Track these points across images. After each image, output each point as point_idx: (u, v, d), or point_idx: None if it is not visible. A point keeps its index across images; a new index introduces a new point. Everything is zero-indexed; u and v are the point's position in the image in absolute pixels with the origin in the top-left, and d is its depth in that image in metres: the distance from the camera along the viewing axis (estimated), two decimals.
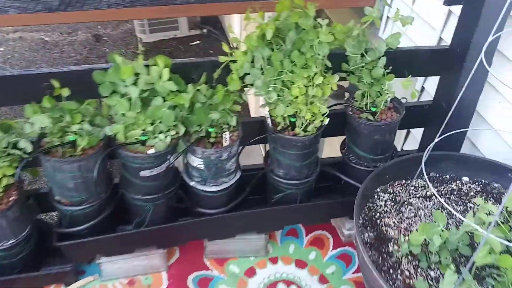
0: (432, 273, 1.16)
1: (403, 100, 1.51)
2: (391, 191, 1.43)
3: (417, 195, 1.43)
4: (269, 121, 1.40)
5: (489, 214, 1.15)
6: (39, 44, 4.50)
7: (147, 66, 1.25)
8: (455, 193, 1.43)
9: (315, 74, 1.30)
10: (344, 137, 1.59)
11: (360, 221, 1.33)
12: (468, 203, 1.39)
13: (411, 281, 1.14)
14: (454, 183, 1.46)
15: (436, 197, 1.40)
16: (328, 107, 1.38)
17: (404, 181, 1.47)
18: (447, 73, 1.51)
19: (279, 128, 1.39)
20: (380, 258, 1.21)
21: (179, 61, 1.33)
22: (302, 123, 1.38)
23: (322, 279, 1.58)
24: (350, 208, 1.30)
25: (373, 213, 1.36)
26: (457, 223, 1.31)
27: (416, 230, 1.30)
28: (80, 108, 1.30)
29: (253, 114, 3.32)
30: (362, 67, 1.38)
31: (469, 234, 1.14)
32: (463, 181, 1.47)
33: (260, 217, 1.54)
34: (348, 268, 1.62)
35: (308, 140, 1.37)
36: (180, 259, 1.62)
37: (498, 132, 1.54)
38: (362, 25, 1.33)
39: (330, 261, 1.64)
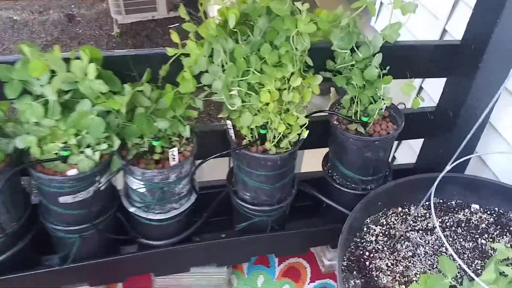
0: None
1: (401, 106, 1.22)
2: (384, 222, 1.16)
3: (416, 227, 1.15)
4: (231, 132, 1.09)
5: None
6: (7, 24, 4.30)
7: (67, 60, 0.94)
8: (462, 225, 1.16)
9: (292, 74, 1.02)
10: (327, 149, 1.30)
11: (345, 263, 1.05)
12: (479, 239, 1.12)
13: None
14: (462, 212, 1.19)
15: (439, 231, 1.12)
16: (307, 115, 1.09)
17: (400, 209, 1.19)
18: (456, 75, 1.23)
19: (244, 142, 1.09)
20: None
21: (116, 53, 1.04)
22: (274, 137, 1.08)
23: None
24: (332, 237, 1.08)
25: (361, 252, 1.08)
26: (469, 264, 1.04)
27: (415, 276, 1.03)
28: None
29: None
30: (352, 65, 1.12)
31: None
32: (472, 209, 1.20)
33: (221, 248, 1.25)
34: None
35: (281, 158, 1.08)
36: None
37: None
38: (353, 13, 1.07)
39: None
